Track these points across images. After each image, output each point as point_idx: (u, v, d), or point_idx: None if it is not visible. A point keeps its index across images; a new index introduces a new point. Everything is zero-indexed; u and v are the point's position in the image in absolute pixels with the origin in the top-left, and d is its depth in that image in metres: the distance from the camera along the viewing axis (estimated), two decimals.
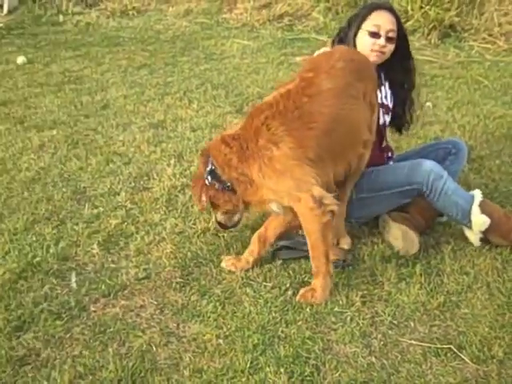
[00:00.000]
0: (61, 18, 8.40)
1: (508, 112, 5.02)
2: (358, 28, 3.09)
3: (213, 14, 8.82)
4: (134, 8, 9.06)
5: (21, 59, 6.24)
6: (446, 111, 4.93)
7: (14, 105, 4.92)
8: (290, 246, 2.91)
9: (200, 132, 4.41)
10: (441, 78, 5.94)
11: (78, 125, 4.51)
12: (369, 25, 3.06)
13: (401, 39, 3.14)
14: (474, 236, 2.99)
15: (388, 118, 3.28)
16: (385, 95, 3.24)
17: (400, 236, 3.00)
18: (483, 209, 2.92)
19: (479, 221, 2.92)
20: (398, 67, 3.21)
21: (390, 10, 3.13)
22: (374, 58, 3.09)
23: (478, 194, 2.97)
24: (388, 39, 3.06)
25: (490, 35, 7.28)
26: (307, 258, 2.80)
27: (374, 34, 3.05)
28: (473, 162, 4.04)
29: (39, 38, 7.37)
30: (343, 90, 2.75)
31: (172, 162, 3.86)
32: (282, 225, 2.85)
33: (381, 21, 3.06)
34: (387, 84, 3.28)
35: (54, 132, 4.33)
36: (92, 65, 6.24)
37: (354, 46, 3.11)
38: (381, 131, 3.21)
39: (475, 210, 2.92)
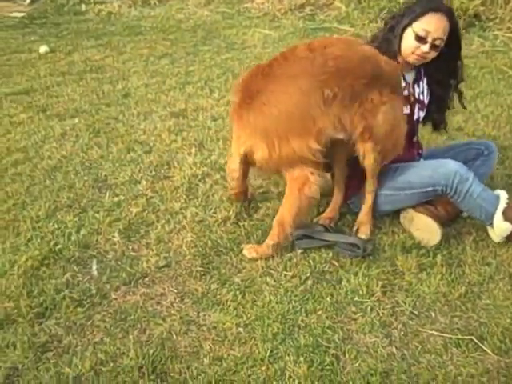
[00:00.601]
0: (83, 7, 8.45)
1: None
2: (409, 24, 2.97)
3: (234, 3, 8.81)
4: None
5: (43, 48, 6.28)
6: (470, 101, 4.85)
7: (37, 93, 4.96)
8: (309, 235, 2.91)
9: (221, 121, 4.41)
10: (465, 68, 5.84)
11: (99, 113, 4.53)
12: (419, 26, 2.94)
13: (453, 43, 3.03)
14: (495, 236, 2.96)
15: (422, 114, 3.23)
16: (421, 91, 3.19)
17: (422, 226, 2.97)
18: (507, 215, 2.87)
19: (502, 227, 2.89)
20: (441, 67, 3.12)
21: (448, 14, 2.96)
22: (413, 59, 3.03)
23: (503, 199, 2.90)
24: (433, 46, 2.96)
25: None
26: (328, 247, 2.81)
27: (421, 39, 2.94)
28: (493, 143, 3.98)
29: (61, 27, 7.41)
30: (291, 81, 2.69)
31: (193, 150, 3.86)
32: (303, 212, 2.85)
33: (432, 27, 2.92)
34: (425, 80, 3.22)
35: (76, 120, 4.35)
36: (113, 54, 6.26)
37: (401, 38, 3.01)
38: (413, 126, 3.19)
39: (498, 216, 2.88)
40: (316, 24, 7.79)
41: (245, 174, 3.11)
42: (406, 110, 3.08)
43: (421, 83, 3.19)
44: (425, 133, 3.62)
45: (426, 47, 2.95)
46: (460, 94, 3.27)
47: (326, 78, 2.67)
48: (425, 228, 2.97)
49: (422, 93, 3.20)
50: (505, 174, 3.69)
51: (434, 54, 3.01)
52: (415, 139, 3.28)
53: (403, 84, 3.06)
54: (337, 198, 3.16)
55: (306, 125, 2.67)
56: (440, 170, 2.90)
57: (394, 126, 2.88)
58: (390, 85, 2.86)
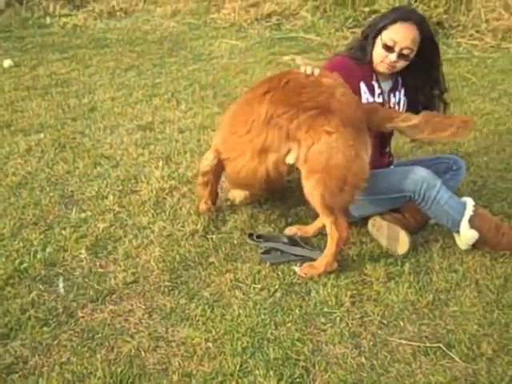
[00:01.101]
0: (48, 20, 8.34)
1: (495, 108, 5.04)
2: (379, 33, 3.01)
3: (200, 14, 8.79)
4: (121, 9, 9.01)
5: (7, 62, 6.19)
6: None
7: (1, 109, 4.88)
8: (277, 249, 2.91)
9: (188, 133, 4.39)
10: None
11: (65, 128, 4.47)
12: (387, 36, 2.99)
13: (427, 52, 3.05)
14: (461, 244, 3.00)
15: None
16: (397, 101, 3.21)
17: (390, 235, 2.99)
18: (473, 223, 2.91)
19: (467, 235, 2.93)
20: (419, 76, 3.13)
21: (418, 23, 2.98)
22: (383, 68, 3.06)
23: (469, 206, 2.93)
24: (401, 56, 2.99)
25: (478, 32, 7.32)
26: (296, 261, 2.83)
27: (388, 48, 2.98)
28: (461, 159, 4.03)
29: (26, 40, 7.32)
30: (241, 108, 2.97)
31: (160, 164, 3.84)
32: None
33: (400, 36, 2.95)
34: (403, 91, 3.23)
35: (41, 136, 4.30)
36: (79, 67, 6.19)
37: (373, 47, 3.05)
38: (385, 136, 3.22)
39: (465, 224, 2.91)
40: (282, 33, 7.83)
41: (217, 178, 3.17)
42: None
43: (397, 93, 3.21)
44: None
45: (393, 56, 2.99)
46: (445, 105, 3.24)
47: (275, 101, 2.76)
48: (393, 236, 2.99)
49: (398, 103, 3.22)
50: (470, 180, 3.75)
51: (402, 64, 3.04)
52: (387, 149, 3.32)
53: (378, 91, 3.10)
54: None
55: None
56: (409, 176, 2.93)
57: (340, 161, 2.68)
58: (341, 117, 2.70)
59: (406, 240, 2.96)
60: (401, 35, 2.96)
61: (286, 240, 2.97)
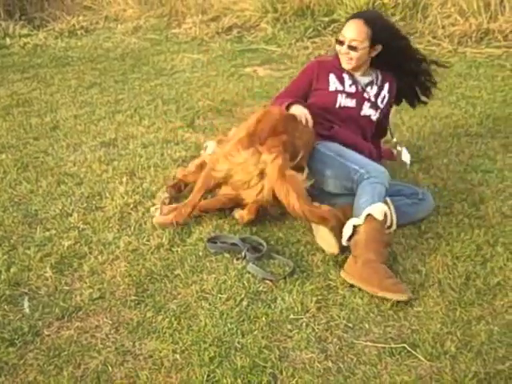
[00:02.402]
0: (8, 40, 8.31)
1: (454, 111, 5.13)
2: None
3: (162, 29, 8.85)
4: (82, 27, 9.04)
5: None
6: (395, 113, 4.99)
7: None
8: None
9: (151, 148, 4.40)
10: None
11: (27, 147, 4.45)
12: (340, 33, 3.47)
13: (387, 40, 3.39)
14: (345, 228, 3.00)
15: (375, 114, 3.56)
16: (376, 94, 3.55)
17: (322, 236, 3.05)
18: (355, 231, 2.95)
19: (346, 230, 2.96)
20: (391, 62, 3.52)
21: (365, 18, 3.39)
22: (344, 63, 3.48)
23: (358, 220, 2.93)
24: (350, 47, 3.39)
25: (435, 38, 7.42)
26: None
27: (340, 42, 3.45)
28: (422, 162, 4.12)
29: None
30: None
31: (124, 179, 3.84)
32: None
33: (347, 30, 3.41)
34: (387, 87, 3.59)
35: (3, 156, 4.27)
36: (41, 86, 6.18)
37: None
38: (364, 122, 3.54)
39: (349, 225, 2.96)
40: (244, 46, 7.89)
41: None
42: (351, 103, 3.48)
43: (375, 87, 3.55)
44: None
45: (343, 48, 3.43)
46: (426, 88, 3.70)
47: None
48: (324, 237, 3.04)
49: (377, 96, 3.56)
50: (431, 182, 3.81)
51: (354, 54, 3.41)
52: (373, 139, 3.62)
53: (349, 82, 3.50)
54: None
55: None
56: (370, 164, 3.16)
57: None
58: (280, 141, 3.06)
59: (333, 243, 2.99)
60: (348, 30, 3.41)
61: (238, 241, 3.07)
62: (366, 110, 3.52)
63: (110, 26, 9.10)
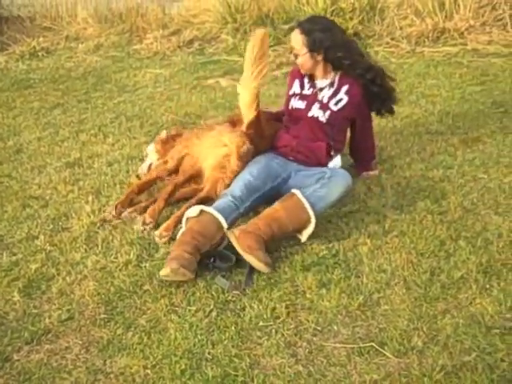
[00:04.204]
0: None
1: (414, 111, 5.21)
2: None
3: (123, 46, 8.84)
4: (42, 48, 8.98)
5: None
6: None
7: None
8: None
9: (117, 165, 4.40)
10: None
11: None
12: None
13: (322, 42, 3.53)
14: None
15: (323, 115, 3.64)
16: (330, 96, 3.66)
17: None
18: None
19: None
20: (347, 68, 3.66)
21: (300, 26, 3.59)
22: (301, 69, 3.70)
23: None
24: (294, 55, 3.65)
25: (393, 39, 7.54)
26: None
27: (290, 52, 3.77)
28: (384, 162, 4.18)
29: None
30: None
31: (90, 198, 3.84)
32: None
33: (290, 39, 3.71)
34: (345, 88, 3.67)
35: None
36: (3, 110, 6.14)
37: None
38: (314, 123, 3.65)
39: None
40: (205, 58, 7.93)
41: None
42: (302, 105, 3.68)
43: (331, 89, 3.67)
44: None
45: (292, 57, 3.71)
46: (387, 94, 3.79)
47: None
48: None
49: (331, 98, 3.66)
50: (394, 182, 3.87)
51: (299, 60, 3.63)
52: (325, 139, 3.65)
53: (307, 86, 3.73)
54: None
55: None
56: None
57: None
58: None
59: (261, 265, 2.97)
60: (291, 38, 3.71)
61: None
62: (315, 110, 3.65)
63: (71, 46, 9.07)
